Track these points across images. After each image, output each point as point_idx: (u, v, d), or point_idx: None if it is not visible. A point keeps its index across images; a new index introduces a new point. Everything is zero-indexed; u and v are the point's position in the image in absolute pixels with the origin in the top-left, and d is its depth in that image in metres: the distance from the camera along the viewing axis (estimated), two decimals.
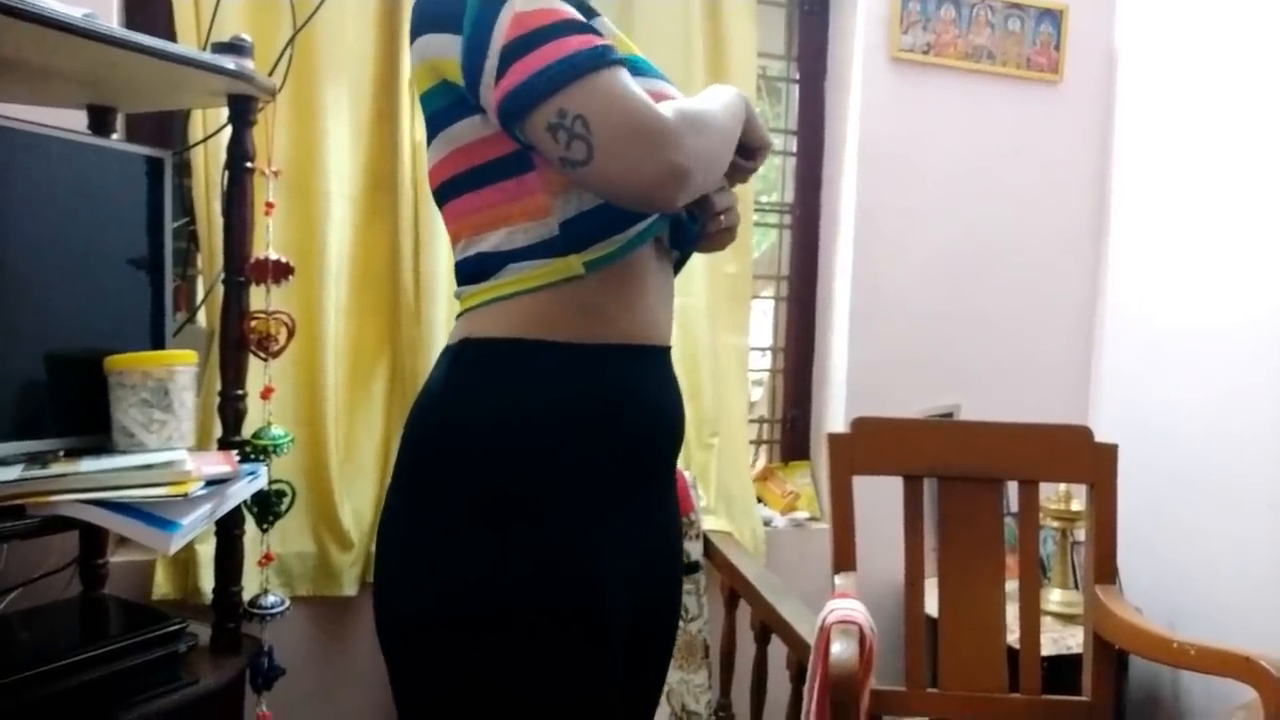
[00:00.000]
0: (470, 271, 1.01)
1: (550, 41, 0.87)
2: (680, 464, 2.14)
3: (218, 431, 1.55)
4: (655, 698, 1.18)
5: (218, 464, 1.36)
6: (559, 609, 0.95)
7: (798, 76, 2.42)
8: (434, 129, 1.01)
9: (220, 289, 1.57)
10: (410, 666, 0.98)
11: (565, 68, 0.86)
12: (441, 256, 1.94)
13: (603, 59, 0.87)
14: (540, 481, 0.96)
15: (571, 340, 0.97)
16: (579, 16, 0.92)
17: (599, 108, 0.86)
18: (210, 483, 1.30)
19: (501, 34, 0.88)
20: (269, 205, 1.62)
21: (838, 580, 1.68)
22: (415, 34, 0.97)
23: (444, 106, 0.98)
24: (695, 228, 1.11)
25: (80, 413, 1.37)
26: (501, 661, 0.93)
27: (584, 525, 0.97)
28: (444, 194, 1.03)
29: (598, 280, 0.98)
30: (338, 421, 1.92)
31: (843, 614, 1.46)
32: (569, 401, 0.97)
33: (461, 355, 1.00)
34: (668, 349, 1.09)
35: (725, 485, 2.24)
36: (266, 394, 1.62)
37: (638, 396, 1.03)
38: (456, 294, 1.06)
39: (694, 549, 2.07)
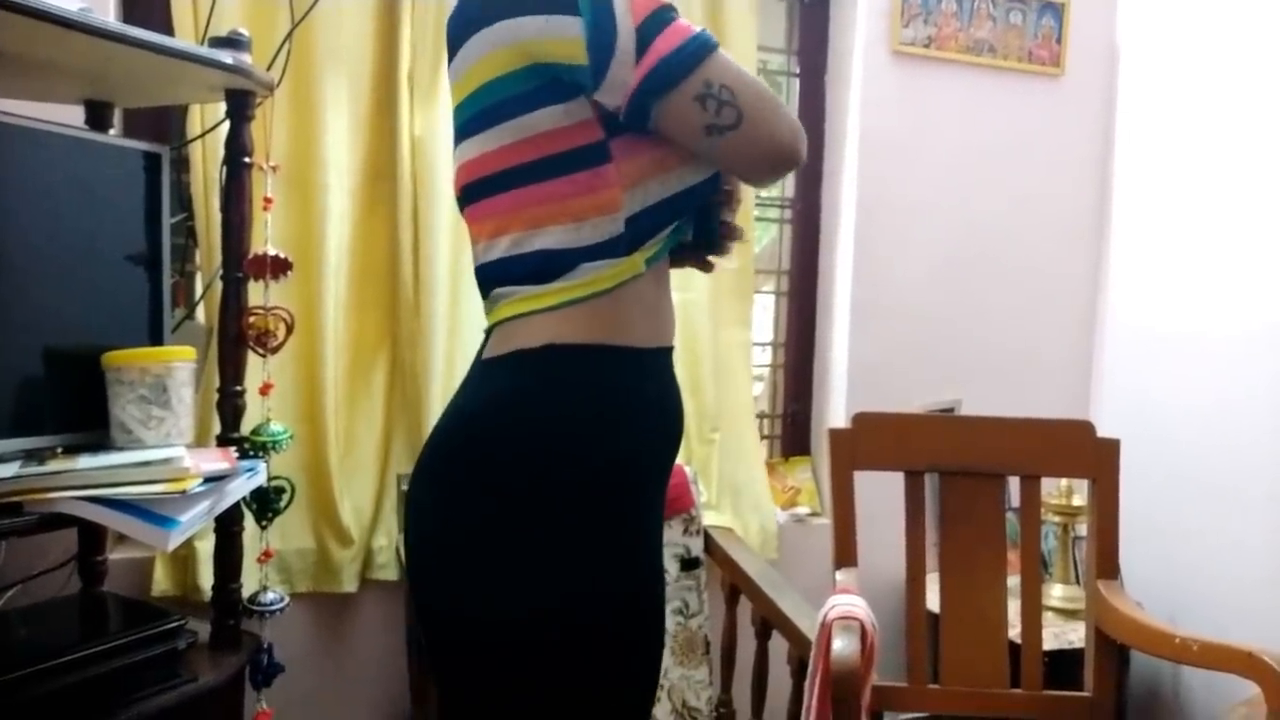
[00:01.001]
0: (532, 270, 0.98)
1: (673, 22, 0.94)
2: (680, 459, 2.16)
3: (216, 428, 1.55)
4: None
5: (216, 461, 1.36)
6: (645, 607, 1.04)
7: (798, 70, 2.41)
8: (497, 118, 0.98)
9: (219, 285, 1.56)
10: (499, 671, 0.97)
11: (700, 44, 0.93)
12: (441, 251, 1.93)
13: (714, 39, 0.95)
14: (631, 487, 1.01)
15: (641, 345, 1.02)
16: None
17: (736, 78, 0.94)
18: (209, 479, 1.29)
19: (627, 15, 0.92)
20: (267, 200, 1.61)
21: (839, 576, 1.67)
22: (493, 18, 0.95)
23: (523, 92, 0.96)
24: (705, 236, 1.12)
25: (78, 409, 1.36)
26: (590, 660, 0.98)
27: (652, 530, 1.06)
28: (493, 186, 1.00)
29: (651, 279, 1.02)
30: (337, 417, 1.91)
31: (844, 610, 1.46)
32: (647, 406, 1.03)
33: (544, 361, 0.97)
34: (671, 349, 1.13)
35: (733, 479, 2.24)
36: (265, 390, 1.61)
37: (666, 399, 1.08)
38: (498, 295, 1.01)
39: (694, 545, 2.07)
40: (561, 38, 0.93)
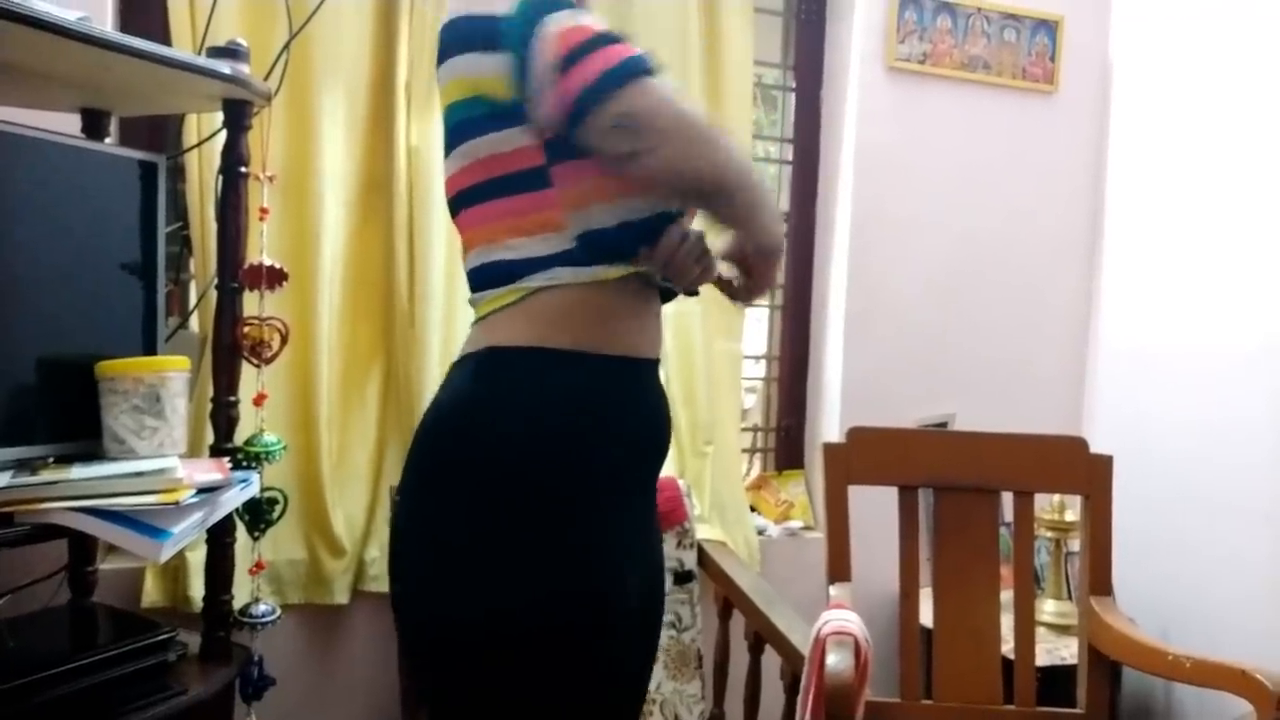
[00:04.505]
0: (487, 277, 1.05)
1: (601, 49, 0.95)
2: (674, 472, 2.16)
3: (210, 438, 1.54)
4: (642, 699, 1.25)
5: (209, 471, 1.35)
6: (600, 609, 1.01)
7: (794, 85, 2.42)
8: (457, 140, 1.06)
9: (213, 294, 1.56)
10: (452, 670, 1.00)
11: (622, 72, 0.95)
12: (436, 262, 1.93)
13: (647, 65, 0.96)
14: (568, 490, 1.01)
15: (591, 350, 1.02)
16: (612, 31, 0.98)
17: (654, 105, 0.95)
18: (202, 490, 1.29)
19: (553, 47, 0.95)
20: (263, 210, 1.61)
21: (833, 591, 1.67)
22: (447, 54, 1.04)
23: (470, 118, 1.04)
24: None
25: (71, 419, 1.35)
26: (544, 662, 0.98)
27: (609, 533, 1.04)
28: (461, 202, 1.08)
29: (617, 292, 1.03)
30: (331, 428, 1.90)
31: (838, 625, 1.45)
32: (590, 411, 1.02)
33: (487, 362, 1.02)
34: (659, 362, 1.15)
35: (718, 493, 2.24)
36: (259, 400, 1.61)
37: (641, 407, 1.09)
38: (471, 301, 1.09)
39: (688, 558, 2.06)
40: (494, 74, 1.00)
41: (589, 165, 1.00)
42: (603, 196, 1.01)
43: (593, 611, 1.00)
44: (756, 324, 2.49)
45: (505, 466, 0.98)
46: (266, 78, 1.67)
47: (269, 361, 1.57)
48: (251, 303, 1.56)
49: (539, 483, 0.99)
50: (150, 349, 1.48)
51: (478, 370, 1.02)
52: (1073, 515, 2.15)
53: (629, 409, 1.07)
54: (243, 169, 1.51)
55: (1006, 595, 1.75)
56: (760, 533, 2.32)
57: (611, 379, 1.05)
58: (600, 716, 1.06)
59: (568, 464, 1.00)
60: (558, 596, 0.97)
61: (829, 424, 2.36)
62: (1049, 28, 2.41)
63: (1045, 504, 2.17)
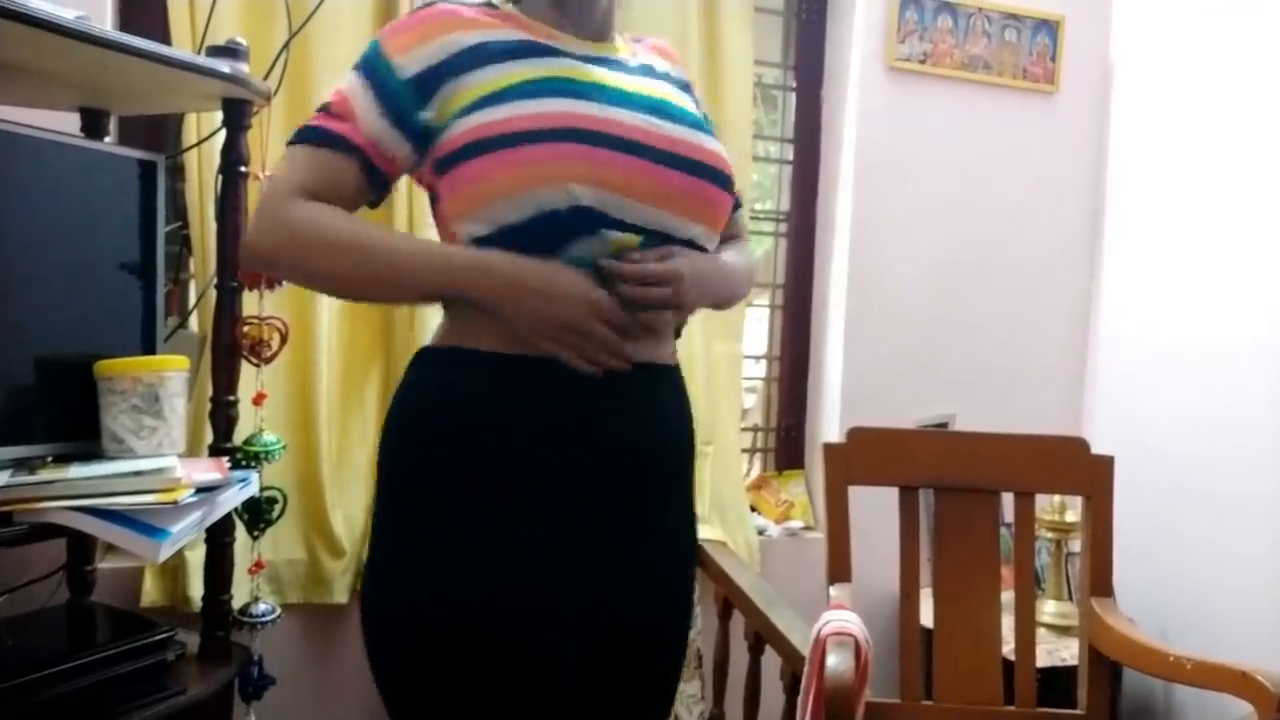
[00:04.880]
0: None
1: (316, 114, 1.06)
2: None
3: (209, 438, 1.54)
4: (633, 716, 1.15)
5: (208, 471, 1.35)
6: (469, 612, 0.99)
7: (794, 85, 2.42)
8: None
9: (213, 294, 1.56)
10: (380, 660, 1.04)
11: (295, 134, 1.05)
12: None
13: (305, 136, 1.04)
14: (444, 487, 1.01)
15: (494, 350, 1.01)
16: (356, 104, 1.03)
17: (275, 171, 1.06)
18: (201, 490, 1.29)
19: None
20: None
21: (833, 591, 1.67)
22: None
23: None
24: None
25: (70, 418, 1.35)
26: (439, 659, 0.99)
27: (499, 536, 1.00)
28: None
29: None
30: (330, 428, 1.90)
31: (838, 625, 1.45)
32: (469, 409, 1.02)
33: (413, 362, 1.08)
34: (637, 365, 1.04)
35: (718, 493, 2.23)
36: (258, 400, 1.61)
37: (560, 409, 1.01)
38: None
39: None
40: None
41: (454, 180, 1.02)
42: (468, 211, 1.01)
43: (462, 613, 0.98)
44: (757, 324, 2.49)
45: (396, 463, 1.05)
46: (266, 77, 1.67)
47: (268, 361, 1.57)
48: (251, 302, 1.56)
49: (421, 482, 1.02)
50: (149, 348, 1.48)
51: (406, 370, 1.09)
52: (1073, 516, 2.15)
53: (535, 407, 1.01)
54: (242, 168, 1.51)
55: (1007, 596, 1.75)
56: (760, 533, 2.32)
57: (508, 377, 1.01)
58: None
59: (444, 464, 1.01)
60: (430, 597, 0.99)
61: (829, 424, 2.36)
62: (1050, 28, 2.40)
63: (1046, 505, 2.17)
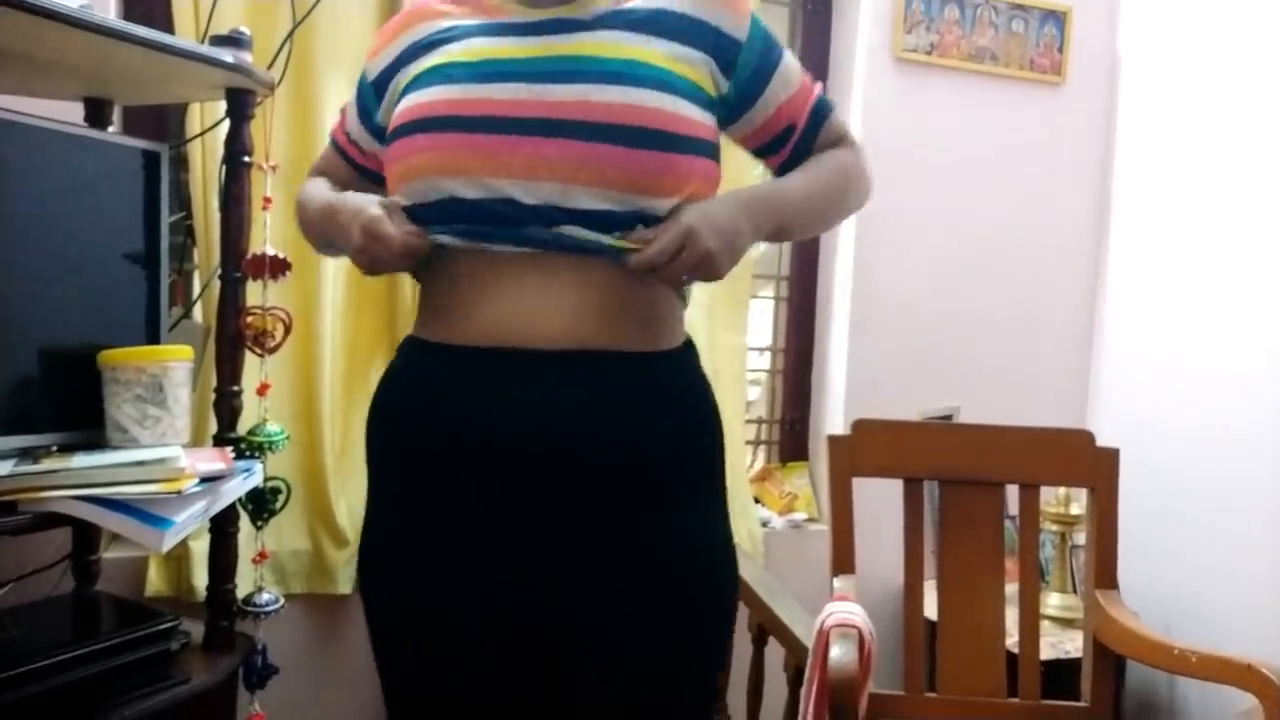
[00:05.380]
0: None
1: None
2: None
3: (213, 428, 1.54)
4: None
5: (212, 461, 1.35)
6: (370, 593, 1.09)
7: None
8: None
9: (217, 284, 1.55)
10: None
11: None
12: None
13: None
14: (374, 483, 1.08)
15: (424, 338, 1.04)
16: (349, 106, 1.19)
17: None
18: (204, 480, 1.29)
19: None
20: (266, 200, 1.60)
21: (836, 583, 1.67)
22: None
23: None
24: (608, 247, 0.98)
25: (74, 408, 1.35)
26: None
27: (397, 519, 1.04)
28: None
29: (439, 275, 1.03)
30: (334, 418, 1.90)
31: (842, 617, 1.45)
32: (388, 403, 1.06)
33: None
34: (566, 353, 0.97)
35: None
36: (262, 390, 1.61)
37: (470, 400, 0.98)
38: None
39: None
40: None
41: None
42: (393, 184, 1.05)
43: (377, 607, 1.07)
44: (761, 316, 2.49)
45: (369, 455, 1.09)
46: (270, 67, 1.66)
47: (272, 351, 1.57)
48: (255, 293, 1.56)
49: (369, 473, 1.08)
50: (153, 338, 1.48)
51: None
52: (1078, 509, 2.14)
53: (449, 401, 0.98)
54: (246, 159, 1.50)
55: (1011, 588, 1.75)
56: (764, 525, 2.31)
57: (429, 369, 1.02)
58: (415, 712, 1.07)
59: (375, 458, 1.07)
60: (363, 587, 1.09)
61: (833, 416, 2.35)
62: (1057, 19, 2.39)
63: (1050, 497, 2.17)
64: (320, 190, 1.14)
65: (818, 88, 1.15)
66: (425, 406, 1.01)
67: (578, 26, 1.03)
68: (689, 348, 1.09)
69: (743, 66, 1.06)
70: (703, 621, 1.07)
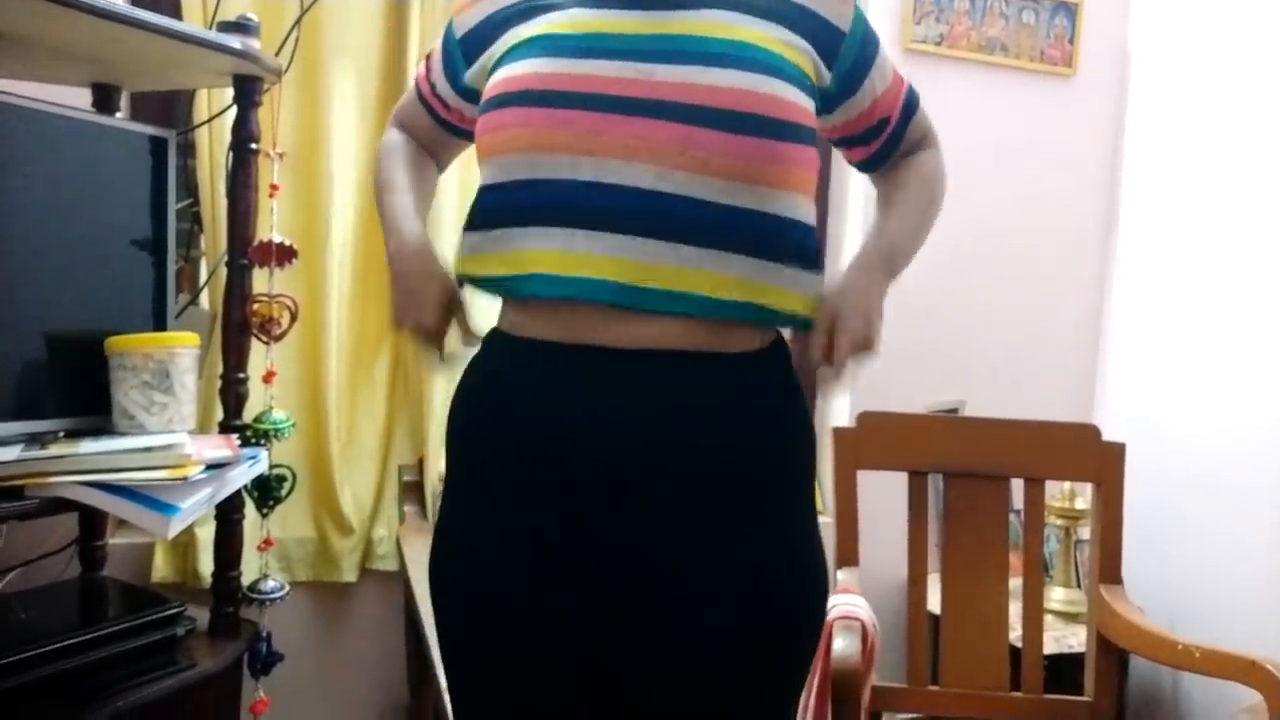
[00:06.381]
0: None
1: None
2: None
3: (219, 415, 1.54)
4: None
5: (218, 448, 1.35)
6: (442, 592, 1.02)
7: None
8: None
9: (223, 271, 1.56)
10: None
11: None
12: (446, 240, 1.92)
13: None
14: (451, 471, 1.04)
15: (507, 331, 0.98)
16: (434, 56, 1.10)
17: None
18: (210, 466, 1.29)
19: None
20: (273, 187, 1.60)
21: (840, 575, 1.67)
22: None
23: None
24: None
25: (81, 394, 1.36)
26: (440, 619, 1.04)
27: (468, 509, 1.00)
28: None
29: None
30: (339, 406, 1.91)
31: (845, 610, 1.45)
32: (470, 396, 1.01)
33: None
34: (637, 354, 0.92)
35: None
36: (268, 378, 1.61)
37: (535, 395, 0.94)
38: None
39: None
40: None
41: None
42: (481, 154, 0.99)
43: (441, 593, 1.02)
44: None
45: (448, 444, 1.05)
46: (277, 54, 1.66)
47: (278, 339, 1.57)
48: (261, 280, 1.56)
49: (448, 461, 1.05)
50: (160, 325, 1.48)
51: None
52: (1083, 503, 2.14)
53: (515, 395, 0.95)
54: (253, 145, 1.50)
55: (1015, 582, 1.75)
56: None
57: (506, 361, 0.98)
58: (464, 696, 1.03)
59: (453, 446, 1.03)
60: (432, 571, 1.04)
61: (838, 408, 2.35)
62: (1068, 10, 2.37)
63: (1056, 491, 2.16)
64: (399, 175, 1.10)
65: (907, 81, 1.16)
66: (506, 404, 0.96)
67: (686, 4, 0.98)
68: (778, 346, 1.07)
69: (844, 57, 1.05)
70: (795, 635, 1.01)
